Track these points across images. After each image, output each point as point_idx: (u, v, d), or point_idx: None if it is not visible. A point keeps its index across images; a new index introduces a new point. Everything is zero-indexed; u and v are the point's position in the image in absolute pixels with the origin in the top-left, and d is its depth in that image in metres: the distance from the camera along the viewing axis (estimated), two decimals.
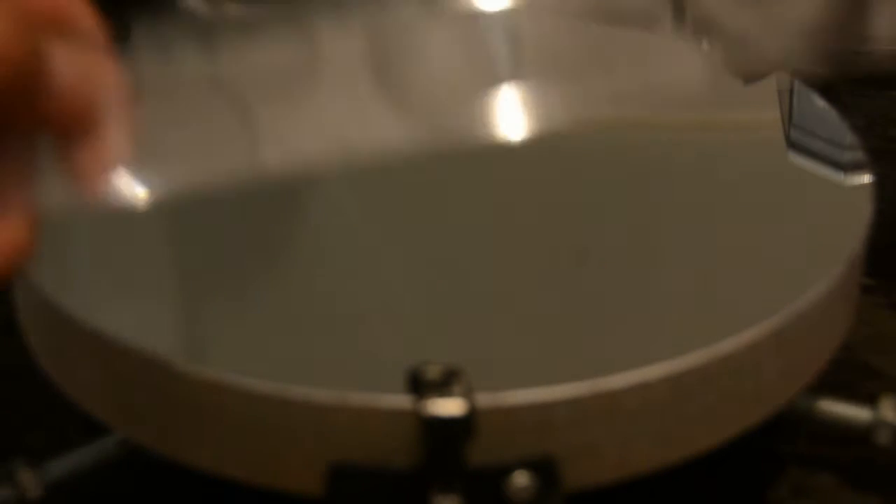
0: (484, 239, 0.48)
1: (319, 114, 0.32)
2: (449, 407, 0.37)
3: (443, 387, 0.38)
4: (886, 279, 0.58)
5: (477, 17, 0.33)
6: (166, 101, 0.32)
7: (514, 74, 0.33)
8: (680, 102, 0.34)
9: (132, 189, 0.31)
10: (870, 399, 0.46)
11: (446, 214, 0.49)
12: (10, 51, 0.28)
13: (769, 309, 0.42)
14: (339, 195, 0.50)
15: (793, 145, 0.51)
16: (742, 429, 0.42)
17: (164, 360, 0.40)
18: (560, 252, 0.47)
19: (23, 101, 0.29)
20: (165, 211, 0.33)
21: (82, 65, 0.30)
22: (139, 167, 0.31)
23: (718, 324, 0.42)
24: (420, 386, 0.38)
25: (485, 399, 0.38)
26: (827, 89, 0.54)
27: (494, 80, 0.33)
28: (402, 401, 0.38)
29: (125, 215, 0.31)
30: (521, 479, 0.38)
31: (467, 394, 0.38)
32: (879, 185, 0.48)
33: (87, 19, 0.31)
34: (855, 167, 0.49)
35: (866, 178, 0.48)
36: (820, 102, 0.53)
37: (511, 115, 0.33)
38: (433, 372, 0.38)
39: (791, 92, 0.54)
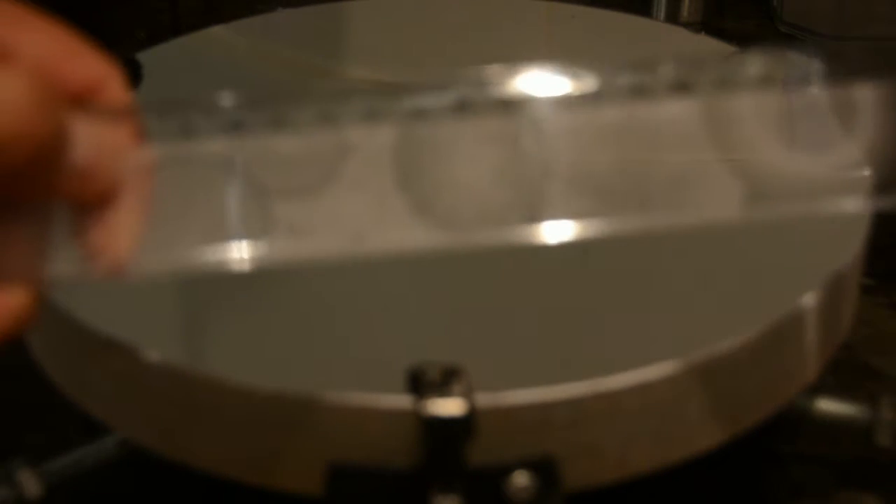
0: None
1: (337, 208, 0.32)
2: (449, 407, 0.37)
3: (443, 387, 0.38)
4: (886, 279, 0.58)
5: (513, 117, 0.32)
6: (185, 182, 0.31)
7: (542, 186, 0.32)
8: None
9: (140, 269, 0.31)
10: (870, 399, 0.46)
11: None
12: (33, 128, 0.28)
13: (769, 309, 0.42)
14: None
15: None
16: (742, 429, 0.42)
17: (164, 360, 0.40)
18: (560, 252, 0.47)
19: (41, 176, 0.29)
20: None
21: (105, 141, 0.30)
22: (149, 248, 0.31)
23: (718, 324, 0.42)
24: (420, 386, 0.38)
25: (485, 399, 0.38)
26: None
27: (520, 189, 0.32)
28: (402, 401, 0.38)
29: None
30: (521, 479, 0.38)
31: (467, 394, 0.38)
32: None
33: (119, 91, 0.31)
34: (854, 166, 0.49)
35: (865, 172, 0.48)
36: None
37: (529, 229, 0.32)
38: (433, 372, 0.38)
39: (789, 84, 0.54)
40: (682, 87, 0.33)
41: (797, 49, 0.34)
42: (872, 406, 0.45)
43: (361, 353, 0.42)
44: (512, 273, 0.46)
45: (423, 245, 0.32)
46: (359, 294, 0.45)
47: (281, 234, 0.32)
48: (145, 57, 0.56)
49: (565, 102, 0.32)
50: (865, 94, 0.33)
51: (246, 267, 0.31)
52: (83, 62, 0.30)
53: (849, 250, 0.45)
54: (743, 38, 0.77)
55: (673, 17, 0.81)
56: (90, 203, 0.30)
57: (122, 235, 0.30)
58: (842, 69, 0.34)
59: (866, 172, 0.33)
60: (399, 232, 0.32)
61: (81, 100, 0.30)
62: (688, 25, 0.75)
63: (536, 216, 0.32)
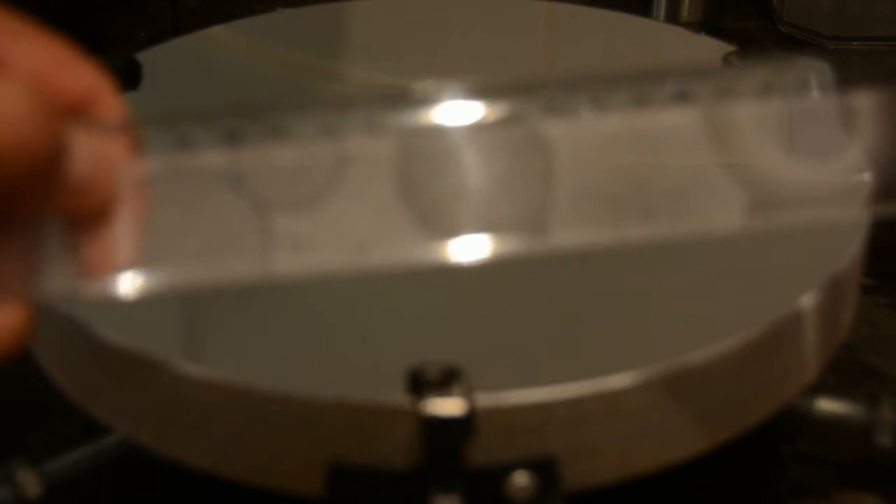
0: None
1: (338, 220, 0.32)
2: (449, 407, 0.37)
3: (443, 387, 0.38)
4: (886, 279, 0.58)
5: (515, 130, 0.32)
6: (183, 195, 0.31)
7: (543, 196, 0.32)
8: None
9: (137, 284, 0.30)
10: (870, 399, 0.46)
11: None
12: (29, 142, 0.27)
13: (769, 309, 0.42)
14: None
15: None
16: (742, 429, 0.42)
17: (165, 361, 0.40)
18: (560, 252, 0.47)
19: (37, 191, 0.28)
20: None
21: (101, 155, 0.29)
22: (147, 262, 0.30)
23: (718, 324, 0.42)
24: (420, 386, 0.38)
25: (485, 399, 0.38)
26: None
27: (521, 200, 0.32)
28: (402, 401, 0.38)
29: None
30: (521, 479, 0.38)
31: (467, 394, 0.38)
32: None
33: (114, 105, 0.31)
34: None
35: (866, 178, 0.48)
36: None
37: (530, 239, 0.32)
38: (433, 372, 0.38)
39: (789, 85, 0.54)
40: (682, 96, 0.33)
41: (801, 54, 0.34)
42: (872, 406, 0.45)
43: (361, 353, 0.42)
44: (512, 273, 0.46)
45: (425, 258, 0.32)
46: (359, 294, 0.45)
47: (282, 247, 0.31)
48: (145, 57, 0.56)
49: (567, 112, 0.32)
50: (865, 101, 0.33)
51: (246, 281, 0.31)
52: (77, 73, 0.30)
53: (848, 250, 0.45)
54: (743, 38, 0.77)
55: (673, 17, 0.81)
56: (86, 217, 0.30)
57: (119, 250, 0.30)
58: (842, 72, 0.34)
59: (867, 179, 0.33)
60: (401, 244, 0.32)
61: (76, 111, 0.30)
62: (688, 25, 0.76)
63: (540, 227, 0.32)
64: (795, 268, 0.45)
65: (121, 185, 0.30)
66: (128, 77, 0.54)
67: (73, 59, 0.30)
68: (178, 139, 0.31)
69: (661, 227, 0.32)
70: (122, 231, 0.30)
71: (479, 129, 0.32)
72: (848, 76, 0.33)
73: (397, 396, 0.38)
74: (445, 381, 0.38)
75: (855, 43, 0.79)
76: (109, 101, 0.31)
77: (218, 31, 0.61)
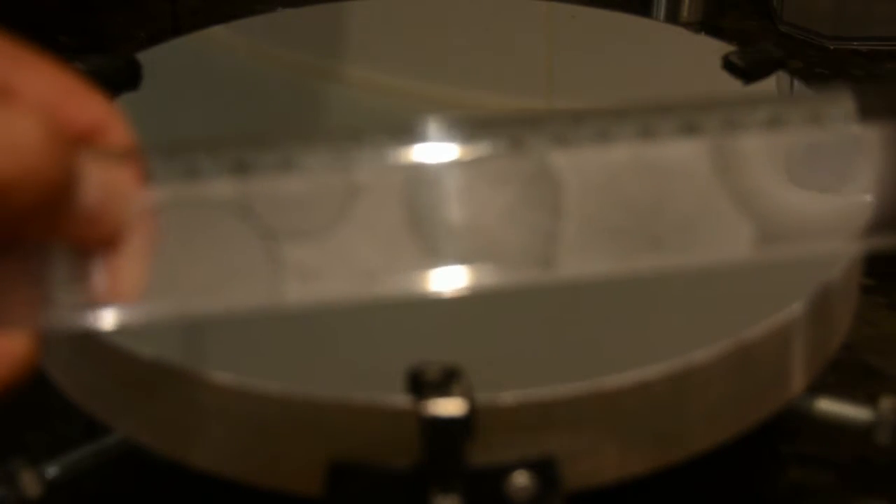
0: None
1: (346, 250, 0.31)
2: (449, 407, 0.37)
3: (443, 387, 0.38)
4: (886, 279, 0.58)
5: (522, 161, 0.32)
6: (192, 225, 0.31)
7: (550, 228, 0.32)
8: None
9: (143, 315, 0.30)
10: (870, 399, 0.46)
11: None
12: (40, 171, 0.27)
13: (769, 309, 0.42)
14: None
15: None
16: (742, 429, 0.42)
17: (165, 361, 0.40)
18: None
19: (46, 219, 0.28)
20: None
21: (110, 184, 0.29)
22: (155, 292, 0.30)
23: (718, 324, 0.42)
24: (420, 386, 0.38)
25: (485, 399, 0.38)
26: None
27: (528, 231, 0.32)
28: (402, 401, 0.38)
29: None
30: (521, 479, 0.38)
31: (467, 394, 0.38)
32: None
33: (123, 134, 0.31)
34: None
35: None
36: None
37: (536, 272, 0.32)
38: (433, 372, 0.38)
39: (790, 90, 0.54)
40: (689, 128, 0.33)
41: (837, 88, 0.34)
42: (872, 406, 0.45)
43: (361, 353, 0.42)
44: None
45: (433, 287, 0.32)
46: None
47: (291, 276, 0.31)
48: (145, 57, 0.56)
49: (574, 144, 0.32)
50: (870, 134, 0.33)
51: (254, 311, 0.31)
52: (86, 103, 0.30)
53: (848, 251, 0.45)
54: (743, 38, 0.77)
55: (673, 17, 0.81)
56: (95, 246, 0.30)
57: (128, 280, 0.30)
58: (842, 74, 0.34)
59: (869, 211, 0.33)
60: (410, 274, 0.32)
61: (85, 141, 0.30)
62: (688, 25, 0.76)
63: (547, 258, 0.32)
64: (795, 267, 0.45)
65: (129, 214, 0.30)
66: (128, 77, 0.54)
67: (83, 89, 0.30)
68: (186, 168, 0.31)
69: (669, 259, 0.33)
70: (131, 261, 0.30)
71: (487, 160, 0.32)
72: (864, 107, 0.33)
73: (397, 396, 0.38)
74: (445, 381, 0.38)
75: (855, 43, 0.79)
76: (118, 130, 0.31)
77: (218, 31, 0.61)
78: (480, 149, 0.32)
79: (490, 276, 0.32)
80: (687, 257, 0.33)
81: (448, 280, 0.32)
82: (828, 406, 0.46)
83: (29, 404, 0.50)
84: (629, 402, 0.39)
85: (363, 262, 0.31)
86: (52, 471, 0.43)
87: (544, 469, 0.39)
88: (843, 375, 0.51)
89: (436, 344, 0.42)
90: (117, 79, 0.54)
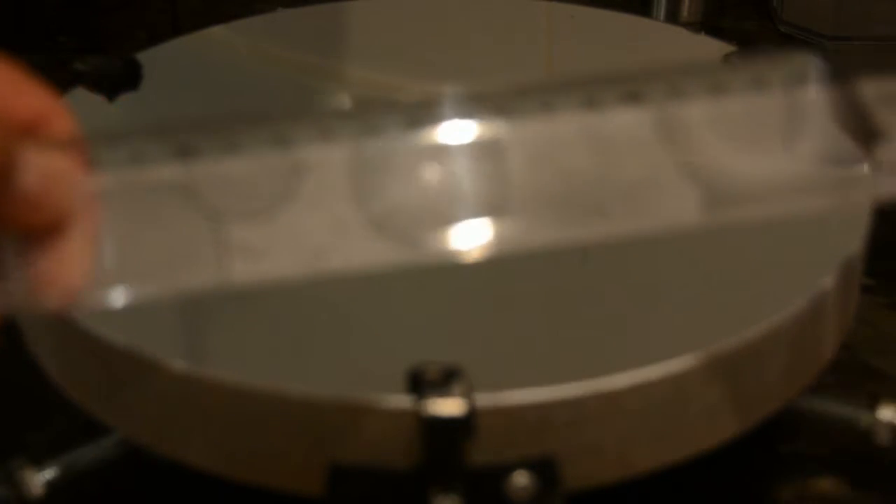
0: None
1: (294, 229, 0.32)
2: (449, 407, 0.37)
3: (443, 387, 0.38)
4: (886, 279, 0.58)
5: (467, 135, 0.32)
6: (137, 210, 0.31)
7: (498, 202, 0.32)
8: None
9: (92, 298, 0.31)
10: (870, 399, 0.46)
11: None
12: None
13: (769, 309, 0.42)
14: None
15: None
16: (742, 429, 0.42)
17: (165, 361, 0.40)
18: (560, 251, 0.47)
19: None
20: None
21: (53, 170, 0.30)
22: (102, 277, 0.30)
23: (718, 324, 0.42)
24: (420, 386, 0.38)
25: (485, 399, 0.38)
26: None
27: (474, 204, 0.32)
28: (402, 401, 0.38)
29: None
30: (521, 479, 0.38)
31: (467, 394, 0.38)
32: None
33: (64, 123, 0.31)
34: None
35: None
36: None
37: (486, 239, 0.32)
38: (433, 372, 0.38)
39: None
40: (634, 97, 0.33)
41: (798, 49, 0.34)
42: (872, 406, 0.45)
43: (361, 353, 0.42)
44: (512, 273, 0.46)
45: (383, 261, 0.32)
46: (358, 294, 0.45)
47: (237, 256, 0.31)
48: (145, 57, 0.56)
49: (518, 116, 0.32)
50: (812, 97, 0.34)
51: (203, 293, 0.31)
52: (28, 94, 0.30)
53: (848, 250, 0.45)
54: (743, 38, 0.77)
55: (673, 17, 0.81)
56: (39, 233, 0.30)
57: (73, 265, 0.30)
58: (842, 69, 0.34)
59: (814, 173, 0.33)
60: (357, 250, 0.32)
61: (27, 131, 0.30)
62: (688, 25, 0.76)
63: (494, 229, 0.32)
64: (795, 267, 0.45)
65: (73, 200, 0.30)
66: (128, 77, 0.54)
67: (24, 80, 0.30)
68: (130, 154, 0.31)
69: (615, 226, 0.33)
70: (77, 245, 0.30)
71: (430, 134, 0.32)
72: (847, 71, 0.33)
73: (397, 396, 0.38)
74: (445, 381, 0.38)
75: (855, 43, 0.79)
76: (61, 122, 0.31)
77: (218, 31, 0.61)
78: (425, 125, 0.32)
79: (436, 251, 0.32)
80: (633, 224, 0.33)
81: (394, 255, 0.32)
82: (828, 406, 0.46)
83: (29, 404, 0.50)
84: (629, 402, 0.39)
85: (309, 240, 0.32)
86: (52, 471, 0.43)
87: (544, 469, 0.39)
88: (843, 375, 0.51)
89: (436, 344, 0.42)
90: (117, 79, 0.54)
